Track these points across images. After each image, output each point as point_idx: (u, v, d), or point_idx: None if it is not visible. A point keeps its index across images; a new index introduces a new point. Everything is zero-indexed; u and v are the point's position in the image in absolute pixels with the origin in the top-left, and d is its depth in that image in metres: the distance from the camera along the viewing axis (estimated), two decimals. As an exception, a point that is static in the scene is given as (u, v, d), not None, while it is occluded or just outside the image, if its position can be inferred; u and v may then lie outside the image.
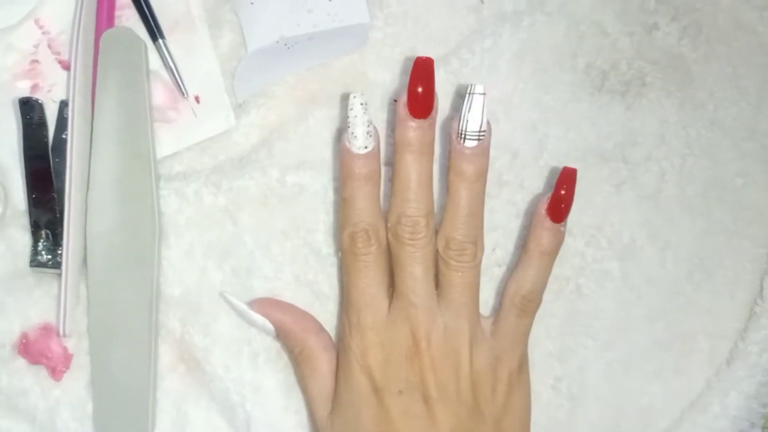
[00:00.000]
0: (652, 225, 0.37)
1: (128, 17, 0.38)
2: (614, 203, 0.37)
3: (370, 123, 0.31)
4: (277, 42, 0.36)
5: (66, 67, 0.38)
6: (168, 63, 0.37)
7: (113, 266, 0.34)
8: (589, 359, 0.35)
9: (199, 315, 0.35)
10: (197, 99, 0.37)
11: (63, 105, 0.36)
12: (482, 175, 0.32)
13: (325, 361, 0.33)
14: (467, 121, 0.31)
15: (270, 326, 0.34)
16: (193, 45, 0.37)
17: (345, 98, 0.37)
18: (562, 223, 0.32)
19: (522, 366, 0.33)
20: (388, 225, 0.32)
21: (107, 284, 0.34)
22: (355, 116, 0.31)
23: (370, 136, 0.31)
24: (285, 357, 0.35)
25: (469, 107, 0.31)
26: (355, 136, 0.31)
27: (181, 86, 0.37)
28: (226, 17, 0.37)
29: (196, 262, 0.35)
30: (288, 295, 0.35)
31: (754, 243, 0.36)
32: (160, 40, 0.37)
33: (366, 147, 0.31)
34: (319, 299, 0.35)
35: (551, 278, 0.36)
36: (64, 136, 0.36)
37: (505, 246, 0.36)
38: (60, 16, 0.38)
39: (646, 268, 0.36)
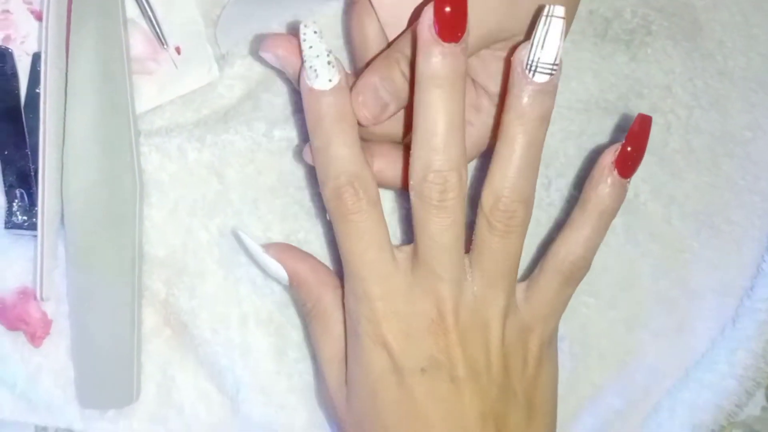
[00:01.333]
0: (657, 180, 0.35)
1: (103, -37, 0.35)
2: (618, 157, 0.35)
3: (329, 53, 0.26)
4: (262, -12, 0.34)
5: (39, 17, 0.36)
6: (146, 11, 0.35)
7: (92, 226, 0.32)
8: (591, 318, 0.34)
9: (185, 276, 0.33)
10: (178, 50, 0.35)
11: (36, 58, 0.34)
12: (546, 120, 0.27)
13: (339, 320, 0.30)
14: (541, 48, 0.25)
15: (284, 274, 0.30)
16: (173, -8, 0.35)
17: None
18: (628, 179, 0.28)
19: (553, 336, 0.30)
20: (411, 181, 0.27)
21: (86, 245, 0.32)
22: (310, 47, 0.26)
23: (333, 67, 0.26)
24: (276, 319, 0.33)
25: (546, 32, 0.25)
26: (315, 70, 0.26)
27: (161, 36, 0.35)
28: (208, -38, 0.35)
29: (180, 221, 0.34)
30: (277, 256, 0.34)
31: (763, 197, 0.35)
32: (138, -13, 0.35)
33: (330, 80, 0.26)
34: (310, 260, 0.34)
35: (550, 230, 0.35)
36: (37, 91, 0.34)
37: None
38: (31, -37, 0.36)
39: (651, 224, 0.35)
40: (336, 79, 0.27)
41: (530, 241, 0.35)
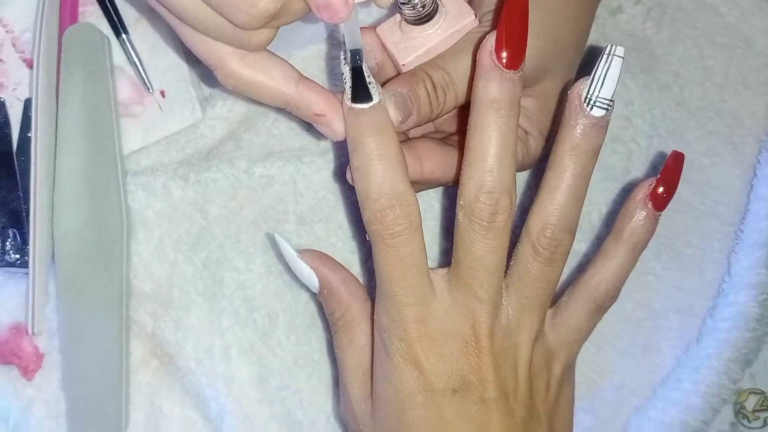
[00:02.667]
0: (620, 206, 0.37)
1: (92, 13, 0.37)
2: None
3: (370, 74, 0.27)
4: (242, 34, 0.36)
5: (30, 65, 0.37)
6: (132, 58, 0.36)
7: (82, 263, 0.34)
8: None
9: (170, 309, 0.35)
10: (162, 93, 0.37)
11: (28, 103, 0.36)
12: (596, 153, 0.27)
13: (365, 332, 0.30)
14: (601, 84, 0.26)
15: (316, 281, 0.30)
16: (158, 39, 0.37)
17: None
18: (660, 213, 0.29)
19: (574, 361, 0.30)
20: (460, 201, 0.27)
21: (76, 281, 0.34)
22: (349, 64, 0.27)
23: (374, 86, 0.27)
24: (258, 349, 0.35)
25: (607, 69, 0.27)
26: (355, 89, 0.27)
27: (146, 81, 0.36)
28: (190, 10, 0.37)
29: (166, 255, 0.35)
30: (259, 287, 0.35)
31: (721, 221, 0.37)
32: (124, 35, 0.37)
33: (372, 98, 0.27)
34: (291, 290, 0.35)
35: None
36: (29, 135, 0.35)
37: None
38: (23, 14, 0.38)
39: (616, 249, 0.36)
40: (377, 98, 0.27)
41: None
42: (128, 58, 0.37)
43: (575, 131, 0.27)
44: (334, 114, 0.28)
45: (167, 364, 0.35)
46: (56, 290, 0.34)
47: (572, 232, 0.28)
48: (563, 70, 0.31)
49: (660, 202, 0.29)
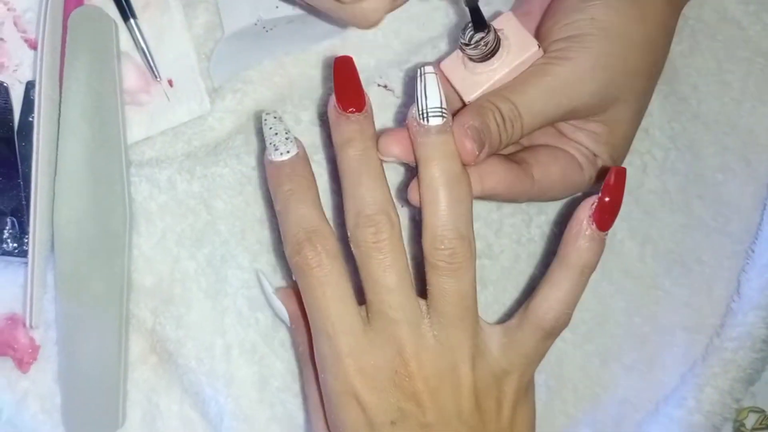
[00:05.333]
0: (633, 219, 0.36)
1: (98, -5, 0.36)
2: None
3: (288, 131, 0.30)
4: (255, 24, 0.35)
5: (32, 46, 0.36)
6: (140, 44, 0.35)
7: (82, 255, 0.33)
8: (566, 352, 0.35)
9: (172, 306, 0.34)
10: (170, 82, 0.36)
11: (29, 86, 0.35)
12: (455, 155, 0.28)
13: None
14: (426, 97, 0.28)
15: (286, 316, 0.32)
16: (166, 26, 0.36)
17: (325, 83, 0.36)
18: (606, 232, 0.28)
19: (530, 381, 0.30)
20: (348, 234, 0.29)
21: (76, 273, 0.33)
22: (270, 128, 0.30)
23: (291, 141, 0.30)
24: (260, 350, 0.34)
25: (424, 86, 0.28)
26: (275, 146, 0.29)
27: (154, 69, 0.35)
28: (202, -3, 0.36)
29: (168, 250, 0.35)
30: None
31: (732, 240, 0.36)
32: (132, 20, 0.35)
33: (288, 152, 0.29)
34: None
35: (529, 267, 0.36)
36: (30, 119, 0.34)
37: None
38: (26, -8, 0.36)
39: (626, 262, 0.36)
40: (293, 151, 0.29)
41: (511, 278, 0.36)
42: (135, 44, 0.36)
43: (425, 144, 0.28)
44: None
45: (167, 361, 0.34)
46: (55, 281, 0.33)
47: (464, 237, 0.27)
48: (634, 97, 0.31)
49: (604, 222, 0.28)
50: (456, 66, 0.30)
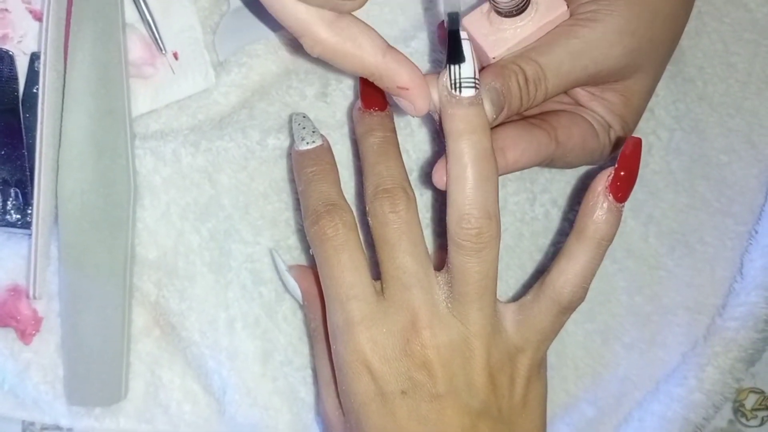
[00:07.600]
0: (637, 199, 0.36)
1: (104, -34, 0.36)
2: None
3: (315, 128, 0.32)
4: (261, -2, 0.34)
5: (37, 17, 0.36)
6: (145, 16, 0.35)
7: (86, 227, 0.33)
8: (568, 329, 0.35)
9: (175, 279, 0.34)
10: (175, 55, 0.35)
11: (34, 57, 0.35)
12: (486, 129, 0.27)
13: None
14: (459, 66, 0.27)
15: (299, 292, 0.32)
16: (172, -2, 0.36)
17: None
18: (623, 204, 0.28)
19: (544, 358, 0.30)
20: (366, 207, 0.29)
21: (79, 245, 0.33)
22: (299, 124, 0.32)
23: (317, 134, 0.32)
24: (263, 323, 0.34)
25: (458, 53, 0.27)
26: (302, 137, 0.31)
27: (159, 41, 0.35)
28: (208, -30, 0.35)
29: (172, 224, 0.34)
30: (267, 261, 0.35)
31: (736, 221, 0.36)
32: (138, -8, 0.35)
33: (314, 141, 0.31)
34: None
35: (532, 246, 0.36)
36: (35, 90, 0.34)
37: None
38: (31, -38, 0.36)
39: (629, 242, 0.36)
40: (319, 142, 0.31)
41: (515, 256, 0.36)
42: (141, 16, 0.35)
43: (455, 117, 0.27)
44: (418, 89, 0.28)
45: (170, 334, 0.34)
46: (58, 253, 0.33)
47: (491, 216, 0.27)
48: (653, 69, 0.31)
49: (621, 193, 0.27)
50: (481, 22, 0.29)
